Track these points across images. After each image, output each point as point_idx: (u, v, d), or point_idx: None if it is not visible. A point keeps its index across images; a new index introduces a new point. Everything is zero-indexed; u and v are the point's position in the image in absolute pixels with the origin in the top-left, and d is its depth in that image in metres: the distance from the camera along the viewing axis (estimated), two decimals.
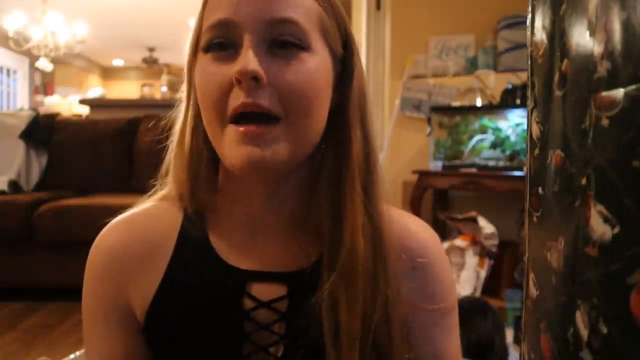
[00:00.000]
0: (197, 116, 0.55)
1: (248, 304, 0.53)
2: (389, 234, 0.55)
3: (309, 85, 0.50)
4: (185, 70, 0.56)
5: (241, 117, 0.48)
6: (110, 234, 0.58)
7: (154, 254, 0.56)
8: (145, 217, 0.59)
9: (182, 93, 0.58)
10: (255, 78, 0.47)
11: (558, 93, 0.35)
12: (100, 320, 0.57)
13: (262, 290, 0.54)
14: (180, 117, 0.58)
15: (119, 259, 0.56)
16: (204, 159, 0.56)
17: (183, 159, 0.56)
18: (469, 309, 1.64)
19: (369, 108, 0.58)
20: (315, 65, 0.51)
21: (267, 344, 0.53)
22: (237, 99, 0.48)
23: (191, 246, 0.56)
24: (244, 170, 0.49)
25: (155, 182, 0.62)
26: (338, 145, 0.54)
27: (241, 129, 0.48)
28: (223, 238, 0.56)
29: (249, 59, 0.47)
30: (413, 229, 0.59)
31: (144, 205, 0.60)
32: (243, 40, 0.49)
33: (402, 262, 0.56)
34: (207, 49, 0.51)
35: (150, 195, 0.62)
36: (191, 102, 0.56)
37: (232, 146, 0.49)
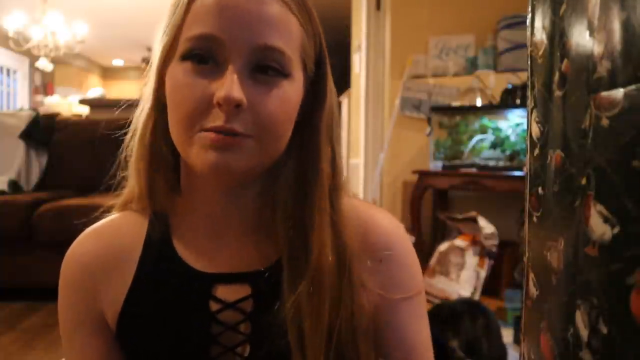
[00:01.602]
0: (161, 117, 0.55)
1: (214, 306, 0.54)
2: (354, 231, 0.56)
3: (284, 111, 0.51)
4: (154, 69, 0.55)
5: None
6: (80, 245, 0.60)
7: (122, 262, 0.57)
8: (113, 227, 0.60)
9: (147, 91, 0.58)
10: (237, 105, 0.48)
11: (558, 93, 0.35)
12: (74, 329, 0.58)
13: (227, 292, 0.55)
14: (143, 116, 0.57)
15: (89, 268, 0.58)
16: (164, 160, 0.56)
17: (144, 159, 0.57)
18: (460, 311, 1.65)
19: (336, 122, 0.59)
20: (292, 92, 0.52)
21: (234, 345, 0.54)
22: (214, 119, 0.48)
23: (156, 252, 0.57)
24: (209, 174, 0.50)
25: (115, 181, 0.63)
26: (306, 161, 0.56)
27: (211, 135, 0.48)
28: (186, 241, 0.58)
29: (233, 86, 0.47)
30: (376, 222, 0.60)
31: (112, 215, 0.62)
32: (226, 59, 0.49)
33: (367, 257, 0.56)
34: (185, 58, 0.50)
35: (116, 195, 0.63)
36: (157, 102, 0.56)
37: (200, 150, 0.49)
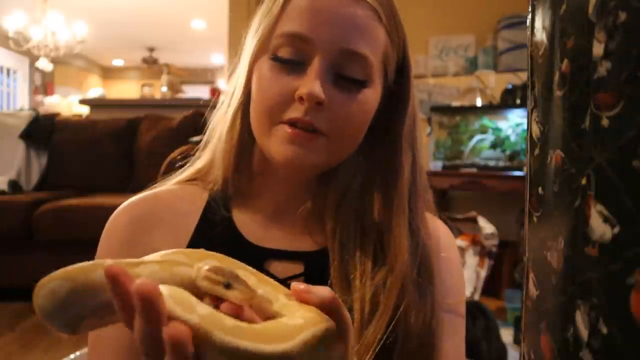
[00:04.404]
0: (248, 105, 0.57)
1: None
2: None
3: (360, 115, 0.54)
4: (246, 63, 0.58)
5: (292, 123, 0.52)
6: (136, 201, 0.60)
7: (177, 225, 0.59)
8: (172, 193, 0.62)
9: (233, 84, 0.60)
10: (318, 102, 0.50)
11: (558, 93, 0.35)
12: None
13: (280, 268, 0.57)
14: (234, 104, 0.60)
15: (142, 221, 0.58)
16: (248, 146, 0.59)
17: (232, 144, 0.59)
18: None
19: (418, 130, 0.61)
20: (371, 98, 0.55)
21: None
22: (295, 112, 0.51)
23: (214, 223, 0.59)
24: (283, 166, 0.54)
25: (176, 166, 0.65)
26: (386, 164, 0.58)
27: (290, 130, 0.51)
28: (247, 218, 0.60)
29: (316, 84, 0.50)
30: (435, 226, 0.63)
31: (166, 186, 0.63)
32: (313, 58, 0.51)
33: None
34: (274, 54, 0.53)
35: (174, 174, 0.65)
36: (246, 94, 0.58)
37: (279, 143, 0.52)
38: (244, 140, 0.59)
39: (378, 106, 0.57)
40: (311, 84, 0.50)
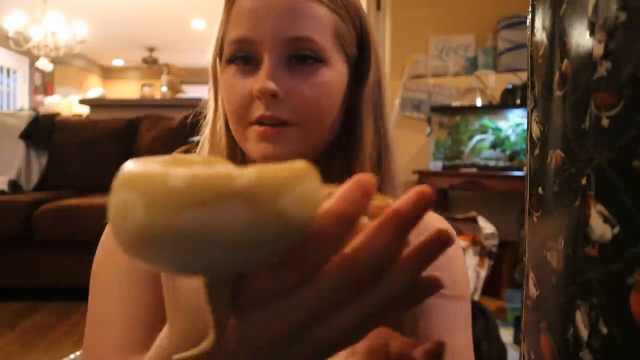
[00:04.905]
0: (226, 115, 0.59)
1: None
2: None
3: (323, 97, 0.54)
4: (210, 74, 0.61)
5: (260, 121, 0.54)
6: None
7: None
8: None
9: (210, 93, 0.63)
10: (273, 94, 0.52)
11: (558, 93, 0.35)
12: (120, 283, 0.55)
13: None
14: (210, 115, 0.62)
15: None
16: (233, 150, 0.60)
17: (217, 153, 0.61)
18: None
19: (385, 104, 0.61)
20: (331, 78, 0.55)
21: None
22: (258, 110, 0.53)
23: None
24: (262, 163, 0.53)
25: None
26: (349, 141, 0.58)
27: (260, 129, 0.53)
28: None
29: (266, 78, 0.52)
30: (432, 219, 0.63)
31: None
32: (262, 55, 0.53)
33: None
34: (230, 61, 0.55)
35: None
36: (219, 103, 0.60)
37: (253, 143, 0.54)
38: (231, 145, 0.60)
39: (348, 89, 0.57)
40: (262, 79, 0.52)
